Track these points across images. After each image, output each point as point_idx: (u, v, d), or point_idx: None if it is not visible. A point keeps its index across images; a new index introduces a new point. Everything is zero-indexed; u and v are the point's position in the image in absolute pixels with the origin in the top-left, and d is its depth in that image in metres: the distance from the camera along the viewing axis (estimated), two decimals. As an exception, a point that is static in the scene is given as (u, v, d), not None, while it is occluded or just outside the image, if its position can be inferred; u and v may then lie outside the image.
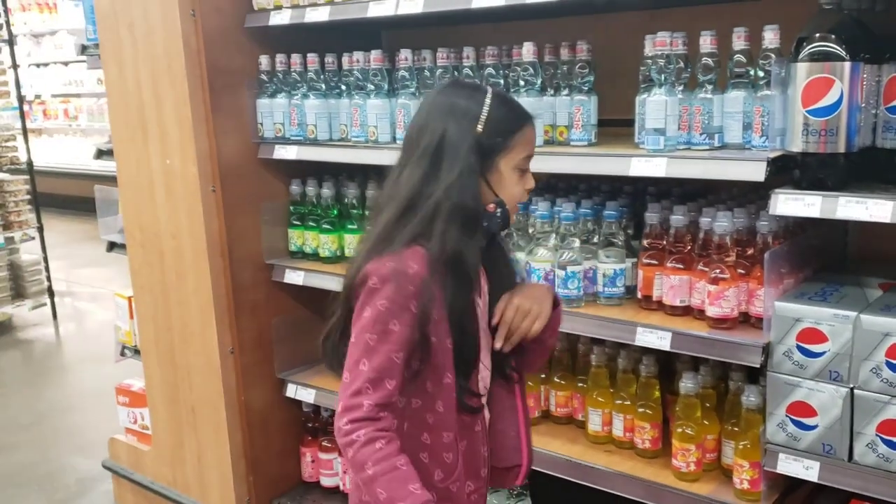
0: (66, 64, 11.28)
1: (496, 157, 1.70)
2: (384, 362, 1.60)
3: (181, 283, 3.23)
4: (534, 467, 2.56)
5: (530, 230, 2.62)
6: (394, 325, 1.60)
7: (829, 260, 2.45)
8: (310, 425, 3.40)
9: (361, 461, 1.57)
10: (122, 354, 3.80)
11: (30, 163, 6.78)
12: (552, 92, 2.55)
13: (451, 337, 1.68)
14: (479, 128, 1.67)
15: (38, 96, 11.89)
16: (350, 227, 3.09)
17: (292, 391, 3.29)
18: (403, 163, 1.72)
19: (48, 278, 6.91)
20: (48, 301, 6.90)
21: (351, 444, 1.58)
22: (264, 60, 3.05)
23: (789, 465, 2.07)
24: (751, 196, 2.49)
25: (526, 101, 2.46)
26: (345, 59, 2.93)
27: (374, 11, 2.64)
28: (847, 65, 1.91)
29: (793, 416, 2.06)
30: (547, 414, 2.81)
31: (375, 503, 1.58)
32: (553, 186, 2.96)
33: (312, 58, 2.96)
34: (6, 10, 6.65)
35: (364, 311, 1.62)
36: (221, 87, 3.01)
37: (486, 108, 1.68)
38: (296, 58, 2.98)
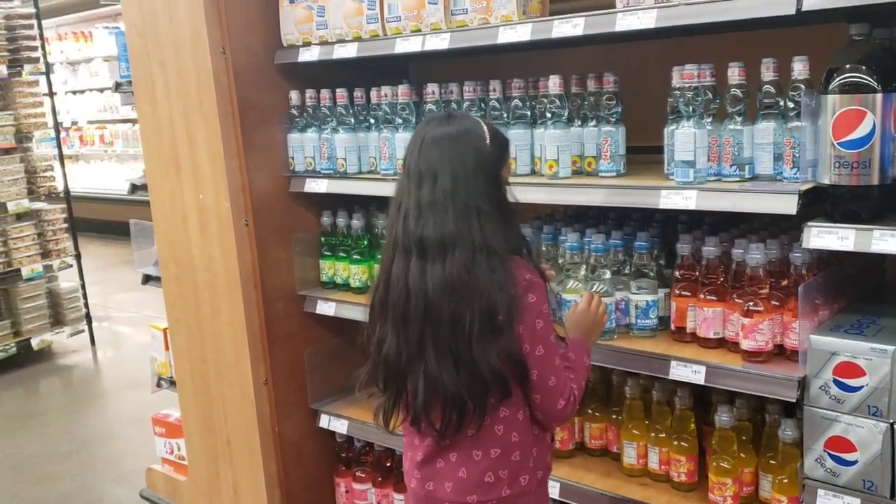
0: (101, 91, 11.50)
1: (501, 170, 1.99)
2: (556, 347, 1.98)
3: (215, 315, 3.26)
4: (568, 501, 2.56)
5: (560, 261, 2.61)
6: (551, 319, 1.97)
7: (865, 289, 2.41)
8: (343, 455, 3.40)
9: (581, 389, 2.02)
10: (158, 385, 3.85)
11: (67, 191, 6.89)
12: (579, 123, 2.55)
13: None
14: (490, 143, 1.94)
15: (74, 123, 12.13)
16: (380, 257, 3.10)
17: (325, 422, 3.30)
18: (440, 196, 1.88)
19: (86, 305, 7.01)
20: (86, 327, 6.99)
21: (575, 399, 1.99)
22: (294, 96, 3.08)
23: (829, 502, 2.04)
24: (783, 225, 2.46)
25: (553, 132, 2.47)
26: (373, 93, 2.95)
27: (402, 48, 2.66)
28: (879, 96, 1.88)
29: (831, 452, 2.02)
30: (581, 446, 2.79)
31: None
32: (583, 214, 2.95)
33: (341, 93, 2.98)
34: (43, 43, 6.79)
35: (537, 323, 1.91)
36: (252, 123, 3.05)
37: (486, 126, 1.97)
38: (325, 93, 3.01)
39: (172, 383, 3.71)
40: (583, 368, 2.06)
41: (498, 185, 1.95)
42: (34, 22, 6.66)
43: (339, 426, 3.25)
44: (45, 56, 6.84)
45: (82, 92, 11.98)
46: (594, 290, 2.43)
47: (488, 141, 1.93)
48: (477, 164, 1.89)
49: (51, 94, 6.96)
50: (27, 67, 6.67)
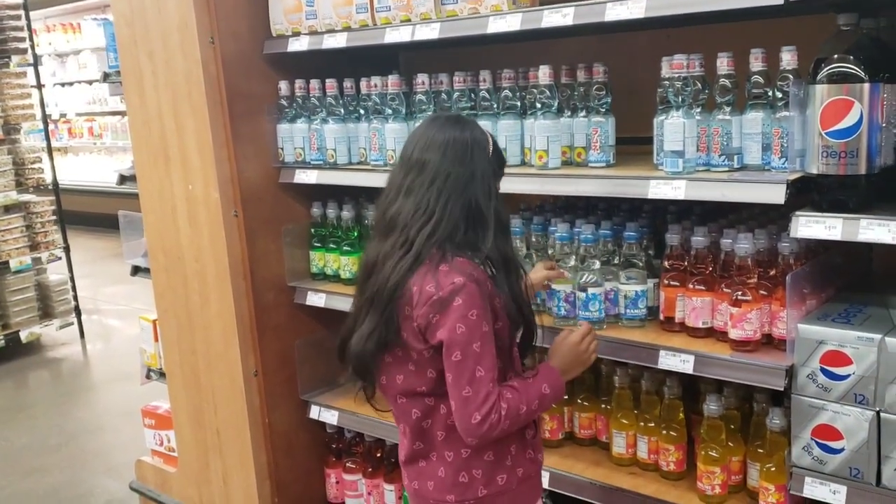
0: (89, 83, 11.44)
1: (497, 181, 2.03)
2: (490, 359, 1.87)
3: (205, 306, 3.25)
4: (557, 490, 2.57)
5: (550, 251, 2.62)
6: (485, 327, 1.87)
7: (852, 278, 2.43)
8: (334, 446, 3.41)
9: (516, 413, 1.89)
10: (148, 377, 3.84)
11: (55, 183, 6.86)
12: (569, 113, 2.55)
13: (510, 318, 1.97)
14: (491, 156, 2.00)
15: (63, 115, 12.07)
16: (371, 248, 3.10)
17: (316, 413, 3.30)
18: (418, 184, 1.94)
19: (75, 297, 6.99)
20: (75, 320, 6.97)
21: (500, 419, 1.85)
22: (283, 86, 3.07)
23: (816, 489, 2.05)
24: (772, 214, 2.47)
25: (543, 122, 2.47)
26: (363, 83, 2.94)
27: (391, 38, 2.66)
28: (866, 86, 1.89)
29: (818, 440, 2.03)
30: (570, 436, 2.80)
31: (541, 409, 1.98)
32: (572, 205, 2.96)
33: (331, 83, 2.97)
34: (31, 34, 6.75)
35: (457, 328, 1.84)
36: (241, 113, 3.04)
37: (490, 141, 2.02)
38: (315, 83, 3.00)
39: (162, 375, 3.70)
40: (533, 394, 1.93)
41: (487, 195, 1.95)
42: (22, 13, 6.63)
43: (330, 417, 3.25)
44: (33, 47, 6.81)
45: (71, 84, 11.91)
46: (584, 280, 2.44)
47: (490, 153, 1.99)
48: (473, 173, 1.93)
49: (39, 85, 6.93)
50: (15, 59, 6.64)
